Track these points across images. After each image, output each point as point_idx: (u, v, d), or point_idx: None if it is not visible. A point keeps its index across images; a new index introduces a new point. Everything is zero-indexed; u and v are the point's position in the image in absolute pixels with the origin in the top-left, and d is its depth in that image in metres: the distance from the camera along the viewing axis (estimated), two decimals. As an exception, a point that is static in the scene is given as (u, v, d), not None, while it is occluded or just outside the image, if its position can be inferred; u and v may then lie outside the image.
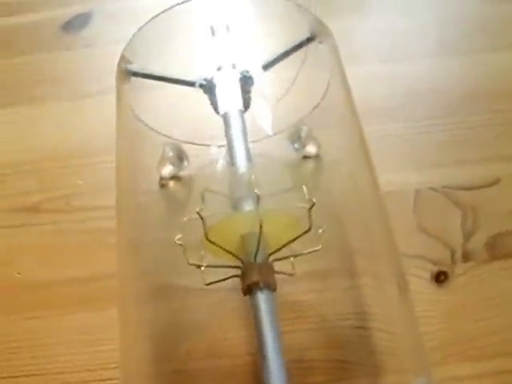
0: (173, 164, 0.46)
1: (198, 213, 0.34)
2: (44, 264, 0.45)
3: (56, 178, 0.49)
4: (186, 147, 0.45)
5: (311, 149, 0.45)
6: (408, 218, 0.44)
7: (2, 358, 0.42)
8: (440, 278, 0.41)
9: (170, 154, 0.46)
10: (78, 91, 0.55)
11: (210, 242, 0.34)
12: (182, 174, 0.46)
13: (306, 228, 0.34)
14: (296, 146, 0.45)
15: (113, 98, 0.44)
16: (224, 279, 0.36)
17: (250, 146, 0.43)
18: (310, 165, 0.45)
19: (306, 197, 0.34)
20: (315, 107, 0.43)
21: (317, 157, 0.45)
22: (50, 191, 0.49)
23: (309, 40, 0.40)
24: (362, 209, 0.39)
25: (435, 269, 0.42)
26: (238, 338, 0.40)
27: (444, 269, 0.42)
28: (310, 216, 0.34)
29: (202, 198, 0.34)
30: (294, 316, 0.41)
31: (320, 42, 0.40)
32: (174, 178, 0.45)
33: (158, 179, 0.45)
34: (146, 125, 0.42)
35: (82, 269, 0.44)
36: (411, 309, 0.35)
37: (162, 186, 0.45)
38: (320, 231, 0.36)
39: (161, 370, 0.38)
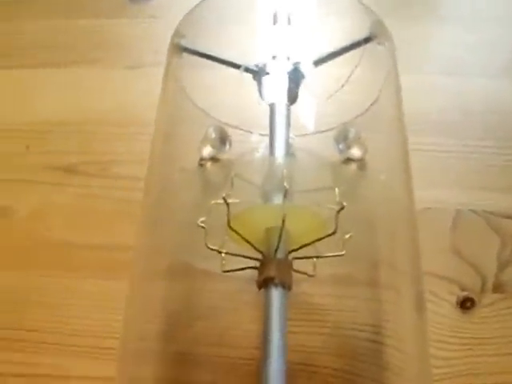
0: (214, 146, 0.45)
1: (223, 198, 0.33)
2: (72, 225, 0.46)
3: (98, 142, 0.49)
4: (230, 131, 0.45)
5: (356, 152, 0.44)
6: (444, 237, 0.43)
7: (16, 309, 0.42)
8: (466, 304, 0.40)
9: (213, 135, 0.45)
10: (136, 60, 0.55)
11: (232, 229, 0.34)
12: (222, 157, 0.45)
13: (331, 231, 0.34)
14: (341, 146, 0.44)
15: (167, 71, 0.44)
16: (241, 269, 0.36)
17: (295, 140, 0.43)
18: (351, 168, 0.44)
19: (337, 199, 0.34)
20: (366, 110, 0.42)
21: (360, 161, 0.44)
22: (90, 155, 0.49)
23: (367, 40, 0.39)
24: (393, 221, 0.38)
25: (462, 294, 0.40)
26: (249, 330, 0.39)
27: (472, 296, 0.40)
28: (337, 219, 0.33)
29: (231, 183, 0.34)
30: (310, 318, 0.40)
31: (378, 44, 0.39)
32: (214, 159, 0.45)
33: (196, 158, 0.44)
34: (193, 103, 0.42)
35: (107, 236, 0.45)
36: (425, 331, 0.34)
37: (201, 166, 0.45)
38: (347, 236, 0.35)
39: (163, 348, 0.38)
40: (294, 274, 0.35)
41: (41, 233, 0.45)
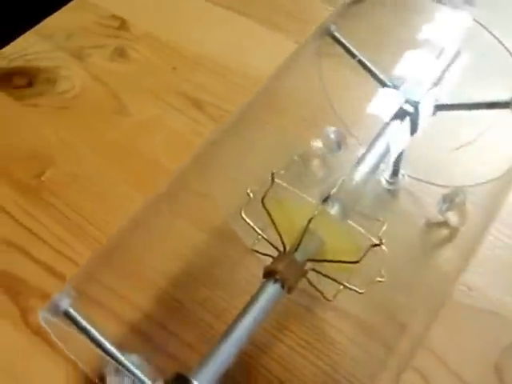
0: (326, 145, 0.44)
1: (272, 173, 0.32)
2: (171, 152, 0.47)
3: (237, 95, 0.50)
4: (347, 136, 0.43)
5: (453, 218, 0.40)
6: (494, 350, 0.37)
7: (90, 201, 0.44)
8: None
9: (331, 136, 0.44)
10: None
11: (264, 207, 0.32)
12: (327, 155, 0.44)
13: (356, 259, 0.31)
14: (444, 207, 0.41)
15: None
16: (261, 253, 0.35)
17: (405, 178, 0.41)
18: (439, 231, 0.40)
19: (379, 234, 0.31)
20: (485, 182, 0.39)
21: (454, 229, 0.40)
22: (222, 101, 0.50)
23: (505, 105, 0.35)
24: (429, 301, 0.34)
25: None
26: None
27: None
28: (366, 251, 0.31)
29: (289, 165, 0.33)
30: (314, 345, 0.37)
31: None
32: (317, 156, 0.44)
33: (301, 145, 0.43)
34: (325, 91, 0.41)
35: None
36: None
37: (302, 155, 0.43)
38: (377, 279, 0.33)
39: (164, 287, 0.38)
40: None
41: (139, 143, 0.47)
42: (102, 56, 0.53)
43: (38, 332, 0.38)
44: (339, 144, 0.44)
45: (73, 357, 0.34)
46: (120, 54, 0.53)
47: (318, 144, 0.44)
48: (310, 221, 0.30)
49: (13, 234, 0.43)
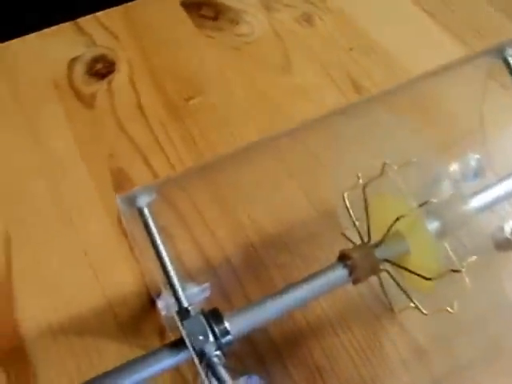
0: (462, 170, 0.42)
1: (383, 164, 0.31)
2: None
3: (391, 82, 0.48)
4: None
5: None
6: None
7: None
8: None
9: (471, 163, 0.42)
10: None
11: (363, 192, 0.32)
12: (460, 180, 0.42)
13: (428, 276, 0.30)
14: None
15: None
16: (347, 238, 0.34)
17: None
18: None
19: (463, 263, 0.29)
20: None
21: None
22: (376, 86, 0.49)
23: None
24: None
25: None
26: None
27: None
28: (444, 274, 0.30)
29: (405, 164, 0.31)
30: (364, 351, 0.36)
31: None
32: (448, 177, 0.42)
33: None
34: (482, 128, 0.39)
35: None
36: None
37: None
38: (447, 308, 0.31)
39: (250, 235, 0.39)
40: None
41: (288, 104, 0.48)
42: (289, 15, 0.55)
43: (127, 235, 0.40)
44: (477, 173, 0.42)
45: (139, 258, 0.36)
46: (306, 18, 0.54)
47: (454, 165, 0.42)
48: (397, 218, 0.30)
49: (143, 141, 0.46)
